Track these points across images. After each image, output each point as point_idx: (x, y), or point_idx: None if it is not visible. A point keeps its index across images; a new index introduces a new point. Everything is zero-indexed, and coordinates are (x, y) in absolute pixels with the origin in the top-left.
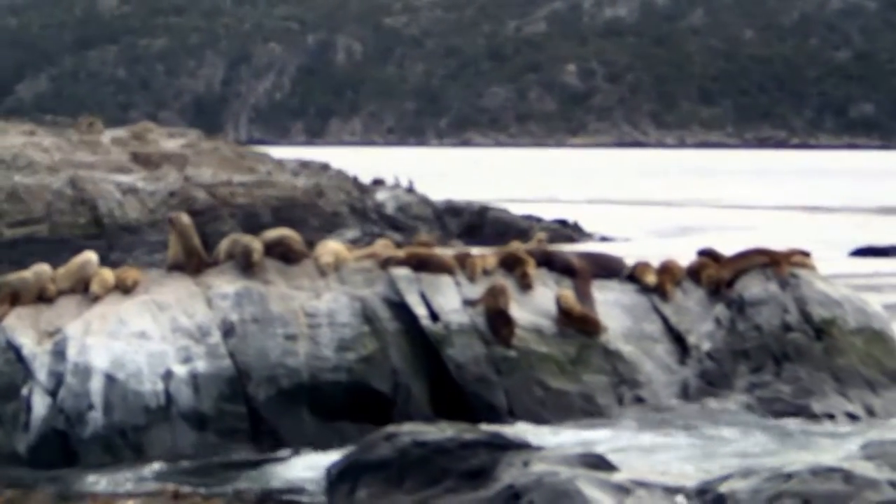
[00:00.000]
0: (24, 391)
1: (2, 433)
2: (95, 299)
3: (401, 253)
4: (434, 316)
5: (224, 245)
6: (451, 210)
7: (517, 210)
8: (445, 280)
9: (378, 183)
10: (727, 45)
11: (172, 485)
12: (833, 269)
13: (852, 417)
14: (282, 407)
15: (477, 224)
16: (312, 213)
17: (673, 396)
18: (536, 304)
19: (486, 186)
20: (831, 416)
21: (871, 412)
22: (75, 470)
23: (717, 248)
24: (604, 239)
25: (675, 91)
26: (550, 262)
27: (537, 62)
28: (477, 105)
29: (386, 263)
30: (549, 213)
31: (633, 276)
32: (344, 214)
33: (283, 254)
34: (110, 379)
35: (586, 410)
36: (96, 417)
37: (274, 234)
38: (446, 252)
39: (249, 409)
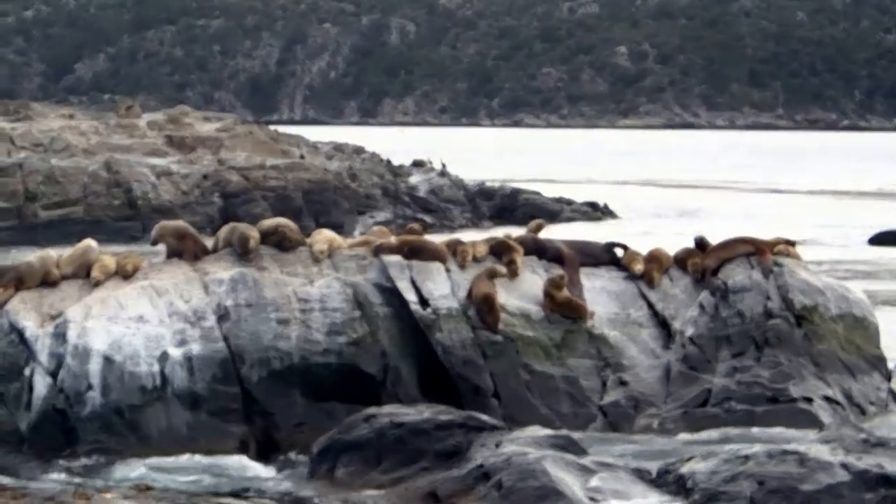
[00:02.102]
0: (27, 372)
1: (5, 412)
2: (96, 284)
3: (393, 240)
4: (424, 301)
5: (222, 233)
6: (483, 193)
7: (551, 192)
8: (436, 267)
9: (417, 165)
10: (778, 27)
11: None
12: (846, 256)
13: (830, 401)
14: (274, 388)
15: (508, 207)
16: (344, 195)
17: (656, 380)
18: (525, 290)
19: (527, 167)
20: (809, 400)
21: (849, 397)
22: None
23: (734, 233)
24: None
25: (726, 73)
26: (541, 251)
27: (589, 44)
28: (529, 86)
29: (378, 251)
30: (581, 195)
31: (621, 263)
32: (376, 197)
33: (279, 242)
34: (108, 360)
35: (570, 393)
36: (94, 397)
37: (270, 222)
38: (437, 240)
39: (242, 389)
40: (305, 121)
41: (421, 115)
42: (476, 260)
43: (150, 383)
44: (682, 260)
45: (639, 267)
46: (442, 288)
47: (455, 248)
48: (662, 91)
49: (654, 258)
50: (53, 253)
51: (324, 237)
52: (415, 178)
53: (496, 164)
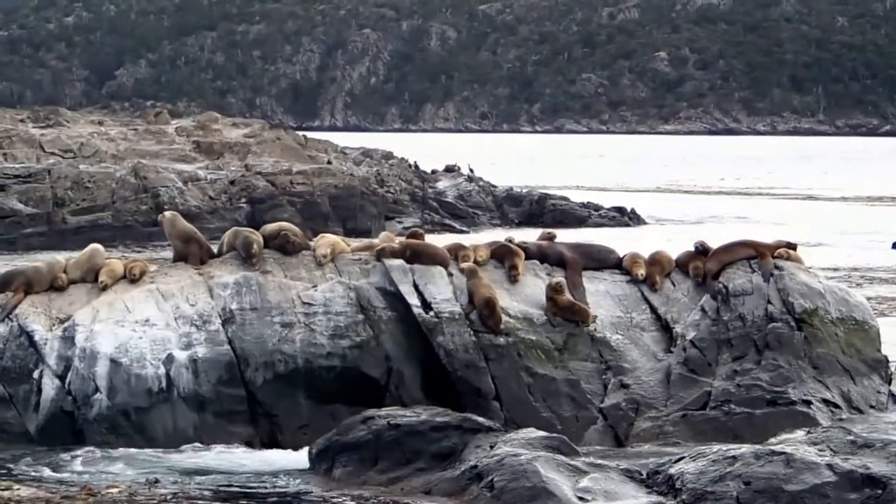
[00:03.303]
0: (36, 374)
1: (14, 413)
2: (104, 288)
3: (395, 244)
4: (426, 305)
5: (227, 237)
6: (511, 198)
7: (581, 197)
8: (438, 270)
9: (450, 170)
10: (820, 32)
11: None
12: (867, 261)
13: (828, 404)
14: (278, 390)
15: (536, 212)
16: (371, 200)
17: (657, 383)
18: (527, 294)
19: (562, 173)
20: (807, 403)
21: (847, 399)
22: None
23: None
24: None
25: (766, 78)
26: (543, 255)
27: (629, 49)
28: (569, 91)
29: (381, 254)
30: (614, 201)
31: (624, 267)
32: (404, 202)
33: (282, 246)
34: (115, 363)
35: (571, 396)
36: (101, 399)
37: (274, 226)
38: (440, 243)
39: (247, 392)
40: (347, 127)
41: (462, 120)
42: (478, 264)
43: (155, 385)
44: (684, 263)
45: (641, 271)
46: (444, 291)
47: (457, 251)
48: (703, 96)
49: (657, 262)
50: (62, 258)
51: (327, 241)
52: (443, 184)
53: (532, 169)
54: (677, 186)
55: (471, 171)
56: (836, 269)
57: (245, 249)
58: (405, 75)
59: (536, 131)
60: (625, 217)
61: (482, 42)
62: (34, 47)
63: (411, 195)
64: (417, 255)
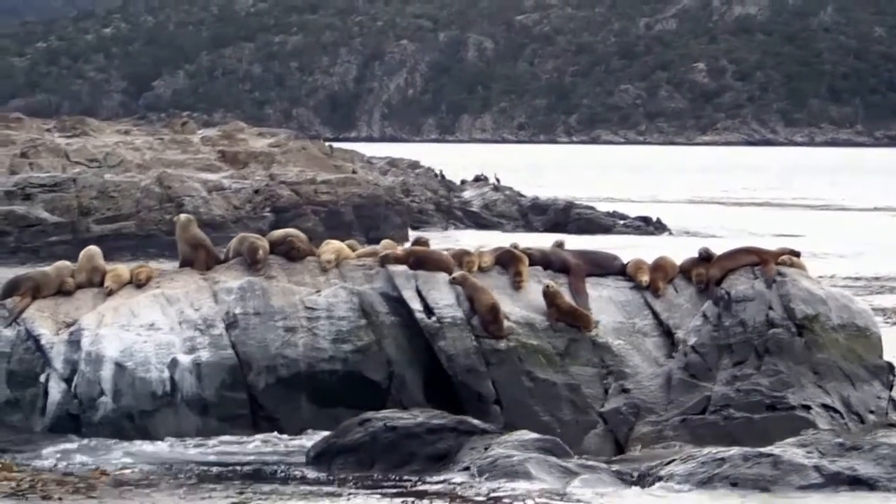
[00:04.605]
0: (42, 378)
1: (21, 416)
2: (110, 293)
3: (399, 250)
4: (429, 310)
5: (233, 243)
6: (537, 207)
7: (605, 207)
8: (442, 276)
9: (479, 180)
10: (858, 42)
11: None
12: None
13: (828, 409)
14: (280, 394)
15: (561, 221)
16: (395, 210)
17: (657, 388)
18: (530, 300)
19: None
20: (807, 408)
21: (847, 405)
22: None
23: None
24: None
25: (805, 89)
26: (547, 261)
27: (667, 60)
28: (607, 102)
29: (385, 260)
30: (643, 212)
31: (628, 273)
32: (429, 212)
33: (287, 251)
34: (120, 367)
35: (572, 400)
36: (106, 402)
37: (279, 232)
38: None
39: (249, 396)
40: (384, 138)
41: (499, 131)
42: (482, 270)
43: (160, 389)
44: (686, 270)
45: (644, 277)
46: (447, 297)
47: (461, 258)
48: (741, 107)
49: (660, 268)
50: (69, 263)
51: (332, 247)
52: (468, 193)
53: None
54: (709, 197)
55: (497, 180)
56: (857, 279)
57: (250, 255)
58: (442, 86)
59: (573, 142)
60: (650, 226)
61: (520, 53)
62: (72, 58)
63: (437, 204)
64: (421, 262)
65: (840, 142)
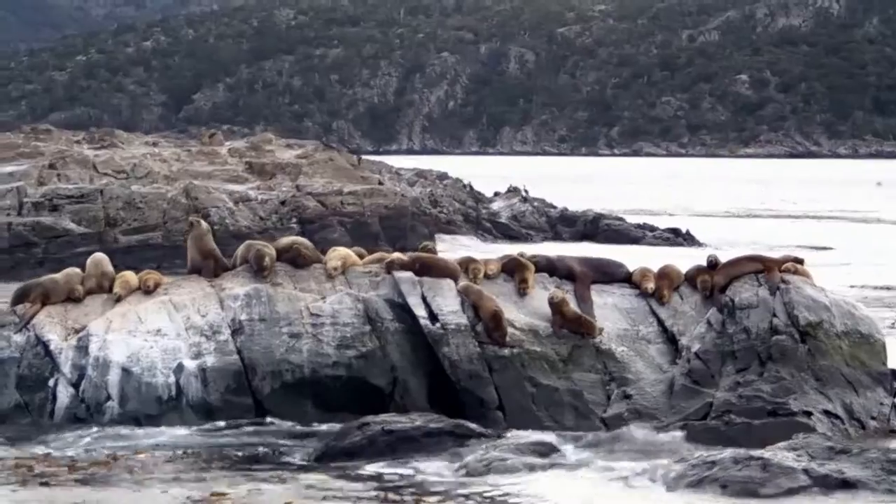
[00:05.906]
0: (51, 382)
1: (29, 420)
2: (118, 300)
3: (405, 257)
4: (434, 317)
5: (240, 251)
6: (565, 219)
7: (637, 219)
8: (447, 283)
9: (511, 191)
10: None
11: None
12: None
13: (829, 415)
14: (284, 399)
15: (590, 232)
16: (422, 221)
17: (660, 394)
18: (535, 307)
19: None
20: (808, 414)
21: (849, 411)
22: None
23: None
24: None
25: (848, 101)
26: (553, 268)
27: (710, 72)
28: (649, 115)
29: (390, 267)
30: (670, 223)
31: (633, 281)
32: (457, 223)
33: (293, 259)
34: (126, 372)
35: (574, 406)
36: (113, 406)
37: (286, 240)
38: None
39: (254, 400)
40: (424, 150)
41: (540, 143)
42: (488, 277)
43: (165, 394)
44: (692, 277)
45: (650, 284)
46: (451, 304)
47: (467, 265)
48: (784, 119)
49: (665, 275)
50: (78, 270)
51: (338, 254)
52: (497, 204)
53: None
54: (746, 210)
55: (525, 191)
56: (875, 287)
57: (257, 262)
58: (483, 98)
59: (615, 154)
60: (679, 238)
61: (561, 65)
62: (112, 72)
63: (465, 215)
64: (427, 269)
65: (884, 154)
